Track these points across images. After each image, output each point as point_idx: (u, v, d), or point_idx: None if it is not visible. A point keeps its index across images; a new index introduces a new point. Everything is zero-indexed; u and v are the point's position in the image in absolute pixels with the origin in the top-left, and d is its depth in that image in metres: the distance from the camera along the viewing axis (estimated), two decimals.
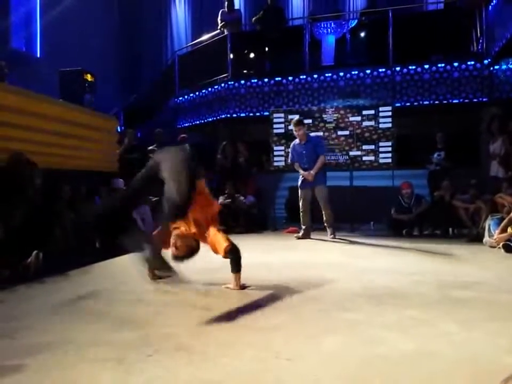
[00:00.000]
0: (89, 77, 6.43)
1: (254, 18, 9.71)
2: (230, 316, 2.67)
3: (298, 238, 6.39)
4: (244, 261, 3.32)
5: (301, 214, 6.49)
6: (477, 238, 5.85)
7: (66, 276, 3.90)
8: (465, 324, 2.45)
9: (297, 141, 6.45)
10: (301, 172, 6.45)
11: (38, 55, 9.44)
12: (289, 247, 5.92)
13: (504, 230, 5.33)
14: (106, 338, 2.27)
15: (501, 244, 5.11)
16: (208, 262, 4.53)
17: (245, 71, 9.44)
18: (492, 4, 8.03)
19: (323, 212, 6.38)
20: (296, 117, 7.80)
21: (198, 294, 3.10)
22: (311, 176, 6.29)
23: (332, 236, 6.36)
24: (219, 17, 9.61)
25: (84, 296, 3.20)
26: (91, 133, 5.89)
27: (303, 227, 6.47)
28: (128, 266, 4.42)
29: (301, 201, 6.48)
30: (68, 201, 5.10)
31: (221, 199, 7.90)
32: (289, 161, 6.66)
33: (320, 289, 3.34)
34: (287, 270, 4.16)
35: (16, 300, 3.12)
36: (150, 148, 7.62)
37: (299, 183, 6.50)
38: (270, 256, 5.09)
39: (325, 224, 6.46)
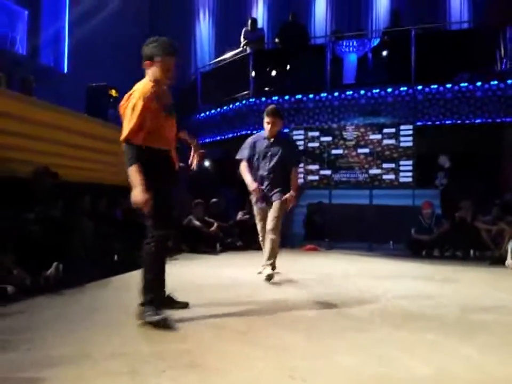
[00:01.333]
0: (113, 92, 6.59)
1: (277, 38, 9.83)
2: (243, 333, 2.66)
3: (269, 278, 4.27)
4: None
5: (262, 241, 4.57)
6: (500, 261, 5.73)
7: (84, 287, 3.95)
8: (483, 348, 2.40)
9: (262, 134, 4.60)
10: (249, 182, 4.40)
11: (65, 71, 9.72)
12: (306, 264, 5.89)
13: None
14: (121, 351, 2.29)
15: None
16: (219, 279, 4.55)
17: (266, 89, 9.51)
18: None
19: (267, 236, 4.36)
20: (316, 134, 7.85)
21: (211, 311, 3.10)
22: (292, 199, 4.33)
23: (270, 272, 4.32)
24: (242, 36, 9.76)
25: (100, 308, 3.24)
26: (113, 147, 6.00)
27: (269, 262, 4.36)
28: None
29: (260, 225, 4.57)
30: (89, 212, 5.20)
31: (239, 215, 7.94)
32: (237, 156, 4.61)
33: (336, 308, 3.30)
34: (303, 288, 4.14)
35: (35, 310, 3.17)
36: None
37: (253, 198, 4.51)
38: (288, 273, 5.06)
39: (265, 254, 4.41)
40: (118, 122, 6.44)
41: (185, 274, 4.87)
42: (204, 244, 6.94)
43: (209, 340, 2.52)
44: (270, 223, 4.32)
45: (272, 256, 4.35)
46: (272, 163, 4.44)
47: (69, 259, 4.22)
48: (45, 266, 3.83)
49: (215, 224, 7.17)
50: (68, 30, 9.71)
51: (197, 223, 7.01)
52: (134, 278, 4.46)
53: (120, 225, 5.42)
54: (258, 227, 4.61)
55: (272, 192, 4.40)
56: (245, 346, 2.41)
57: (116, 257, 5.10)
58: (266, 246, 4.37)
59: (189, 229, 6.98)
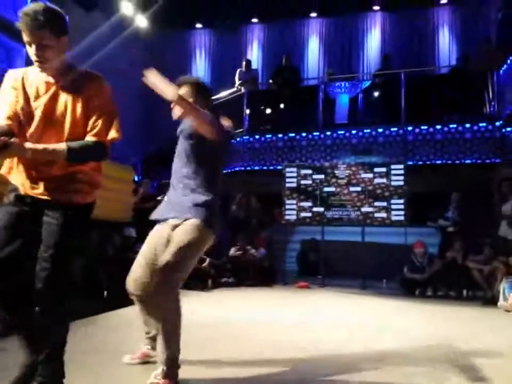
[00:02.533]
0: None
1: (271, 80, 10.11)
2: (220, 374, 2.62)
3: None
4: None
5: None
6: (492, 301, 5.72)
7: (71, 325, 3.88)
8: None
9: None
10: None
11: None
12: (296, 303, 5.84)
13: None
14: None
15: None
16: (207, 317, 4.51)
17: (262, 128, 9.68)
18: (503, 68, 8.25)
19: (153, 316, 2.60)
20: (309, 171, 7.93)
21: (191, 352, 3.06)
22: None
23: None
24: (237, 76, 10.01)
25: (86, 350, 3.17)
26: (106, 182, 6.01)
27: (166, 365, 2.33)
28: (134, 319, 4.40)
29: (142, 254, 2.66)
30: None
31: (232, 251, 7.92)
32: None
33: (325, 351, 3.27)
34: (290, 331, 4.08)
35: (16, 349, 3.10)
36: (158, 198, 7.73)
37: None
38: (274, 312, 5.02)
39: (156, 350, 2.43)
40: (111, 157, 6.52)
41: None
42: (195, 280, 6.87)
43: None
44: (157, 273, 2.40)
45: (172, 347, 2.34)
46: (178, 159, 2.67)
47: None
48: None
49: (207, 260, 7.12)
50: None
51: None
52: (121, 317, 4.42)
53: (111, 261, 5.38)
54: (138, 267, 2.61)
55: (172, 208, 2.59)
56: None
57: (105, 293, 5.04)
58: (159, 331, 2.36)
59: None
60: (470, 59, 9.39)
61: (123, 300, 4.90)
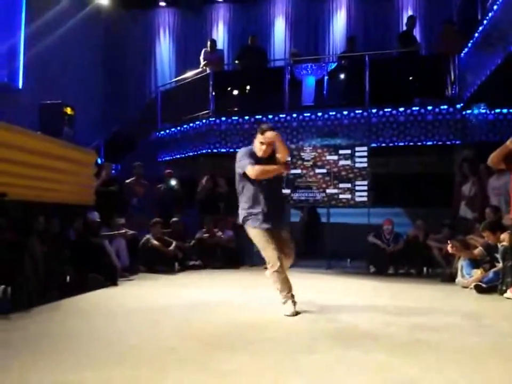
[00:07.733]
0: (68, 110, 6.43)
1: (236, 60, 9.98)
2: (185, 355, 2.63)
3: None
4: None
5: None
6: (450, 278, 5.93)
7: (33, 312, 3.81)
8: (429, 369, 2.46)
9: None
10: None
11: (20, 87, 9.46)
12: (261, 283, 5.90)
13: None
14: (67, 380, 2.21)
15: (473, 285, 5.19)
16: (173, 300, 4.49)
17: (228, 109, 9.57)
18: (464, 51, 8.41)
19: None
20: None
21: (159, 335, 3.05)
22: None
23: None
24: (201, 56, 9.84)
25: (46, 334, 3.12)
26: (68, 165, 5.87)
27: None
28: (97, 303, 4.35)
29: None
30: (41, 233, 5.02)
31: (198, 234, 7.89)
32: None
33: (286, 329, 3.32)
34: (252, 307, 4.13)
35: (20, 328, 3.03)
36: (128, 181, 7.63)
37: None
38: (237, 292, 5.07)
39: None
40: (73, 140, 6.34)
41: (132, 295, 4.80)
42: (162, 263, 6.85)
43: (155, 365, 2.47)
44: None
45: None
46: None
47: (18, 282, 4.06)
48: None
49: (173, 244, 7.09)
50: (24, 47, 9.48)
51: (155, 242, 6.92)
52: (84, 302, 4.36)
53: (73, 246, 5.27)
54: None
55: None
56: (186, 369, 2.38)
57: (67, 279, 4.94)
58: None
59: (146, 248, 6.88)
60: (356, 41, 9.92)
61: (86, 285, 4.87)
